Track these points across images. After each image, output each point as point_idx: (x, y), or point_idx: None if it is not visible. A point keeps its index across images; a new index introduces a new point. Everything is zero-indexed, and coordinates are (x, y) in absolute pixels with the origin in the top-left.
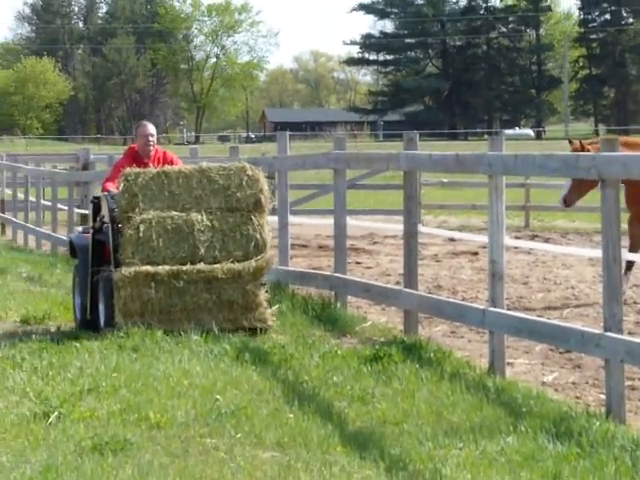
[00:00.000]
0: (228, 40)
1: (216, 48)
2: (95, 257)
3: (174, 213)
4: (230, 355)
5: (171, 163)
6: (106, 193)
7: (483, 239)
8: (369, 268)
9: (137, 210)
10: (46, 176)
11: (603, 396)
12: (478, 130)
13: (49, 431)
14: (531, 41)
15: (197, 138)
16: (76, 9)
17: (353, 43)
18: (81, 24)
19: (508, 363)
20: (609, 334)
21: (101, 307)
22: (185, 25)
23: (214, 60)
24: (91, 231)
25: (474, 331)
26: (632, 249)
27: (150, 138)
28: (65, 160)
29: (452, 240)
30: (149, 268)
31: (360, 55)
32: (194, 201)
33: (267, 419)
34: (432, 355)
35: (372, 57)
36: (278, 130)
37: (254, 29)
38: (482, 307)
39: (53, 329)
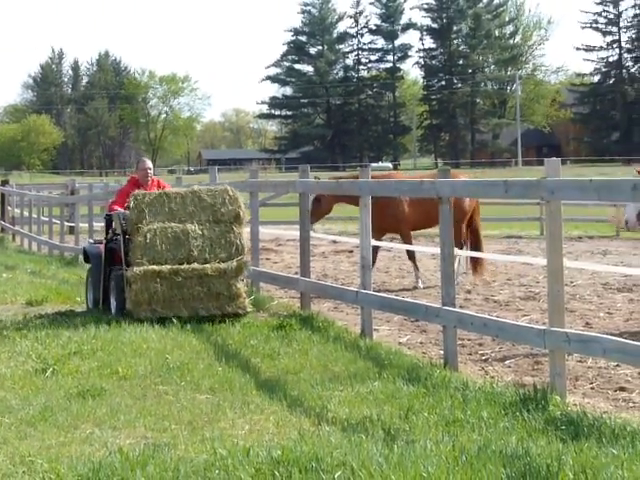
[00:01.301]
0: (174, 101)
1: (166, 107)
2: (107, 261)
3: (173, 224)
4: (176, 326)
5: (164, 188)
6: (116, 212)
7: (356, 241)
8: (276, 263)
9: (144, 222)
10: (44, 199)
11: (442, 352)
12: (352, 164)
13: (46, 382)
14: (389, 100)
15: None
16: (65, 79)
17: (264, 103)
18: (69, 90)
19: (374, 329)
20: (446, 308)
21: (112, 300)
22: (144, 91)
23: (164, 116)
24: (104, 241)
25: (350, 307)
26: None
27: (148, 171)
28: (58, 188)
29: (334, 242)
30: (155, 267)
31: (268, 111)
32: (188, 215)
33: (203, 371)
34: (320, 324)
35: (277, 113)
36: (210, 165)
37: (193, 93)
38: (356, 289)
39: (49, 310)
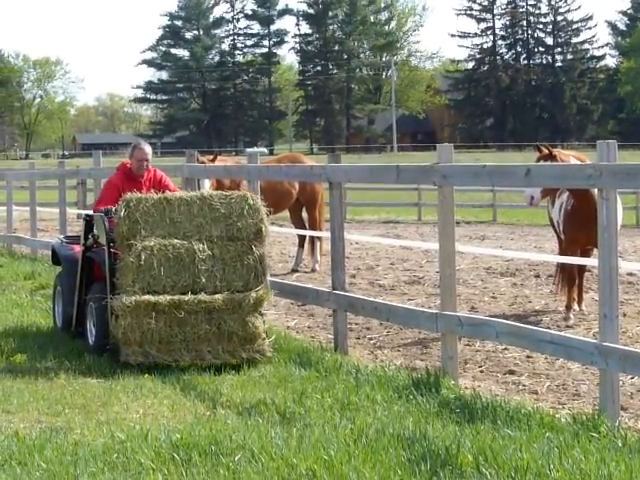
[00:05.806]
0: (48, 85)
1: (40, 91)
2: (84, 273)
3: (175, 241)
4: None
5: (160, 181)
6: (100, 214)
7: None
8: None
9: (138, 237)
10: None
11: (331, 336)
12: (228, 149)
13: None
14: (265, 86)
15: (27, 155)
16: None
17: (139, 87)
18: None
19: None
20: (336, 292)
21: (91, 327)
22: (17, 75)
23: (39, 100)
24: (82, 246)
25: None
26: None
27: (145, 162)
28: None
29: None
30: (150, 298)
31: (144, 95)
32: (195, 229)
33: (93, 356)
34: None
35: (152, 97)
36: (85, 150)
37: (66, 77)
38: None
39: None
